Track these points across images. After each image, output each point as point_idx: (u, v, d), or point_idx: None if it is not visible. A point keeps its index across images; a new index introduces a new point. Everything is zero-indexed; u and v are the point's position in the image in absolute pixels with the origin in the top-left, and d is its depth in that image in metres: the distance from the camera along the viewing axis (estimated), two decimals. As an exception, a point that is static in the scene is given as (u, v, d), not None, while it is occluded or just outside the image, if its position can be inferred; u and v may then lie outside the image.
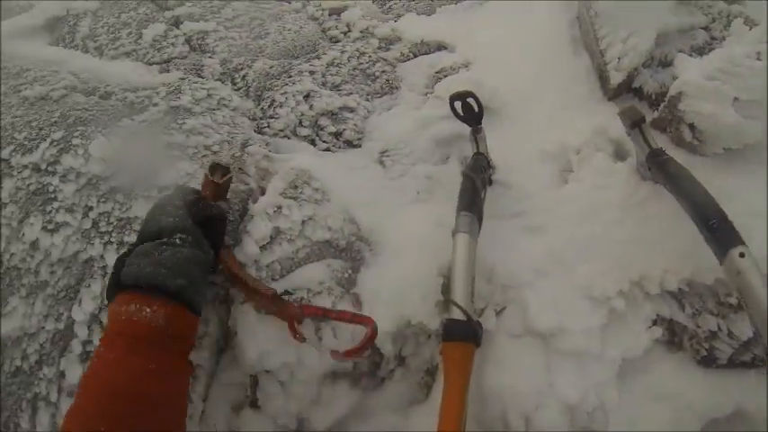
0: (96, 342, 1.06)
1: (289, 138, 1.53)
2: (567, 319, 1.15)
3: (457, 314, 1.02)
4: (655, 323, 1.21)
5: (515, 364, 1.13)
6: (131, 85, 1.53)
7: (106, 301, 0.95)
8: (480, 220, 1.16)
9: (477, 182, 1.17)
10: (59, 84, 1.49)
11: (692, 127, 1.34)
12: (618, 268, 1.20)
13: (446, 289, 1.13)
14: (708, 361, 1.19)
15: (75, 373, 1.06)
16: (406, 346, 1.19)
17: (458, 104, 1.34)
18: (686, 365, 1.21)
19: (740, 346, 1.17)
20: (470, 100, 1.32)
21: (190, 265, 0.93)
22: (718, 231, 1.00)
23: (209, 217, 1.04)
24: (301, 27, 1.87)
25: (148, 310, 0.85)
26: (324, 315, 1.10)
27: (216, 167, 1.15)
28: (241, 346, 1.10)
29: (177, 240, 0.95)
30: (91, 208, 1.22)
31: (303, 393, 1.11)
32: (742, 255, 0.95)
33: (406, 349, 1.19)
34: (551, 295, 1.18)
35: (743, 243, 0.97)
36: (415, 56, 1.84)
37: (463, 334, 1.00)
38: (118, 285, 0.90)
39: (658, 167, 1.18)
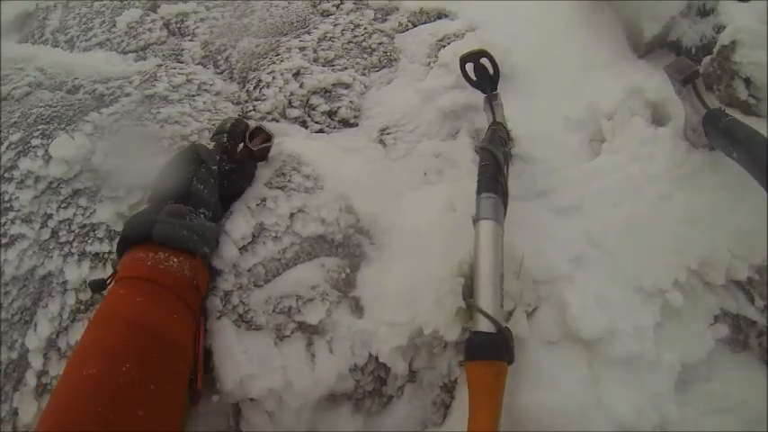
0: (53, 373, 0.88)
1: (277, 121, 1.24)
2: (615, 319, 0.85)
3: (484, 325, 0.73)
4: (716, 319, 0.92)
5: (554, 378, 0.83)
6: (102, 76, 1.26)
7: (116, 256, 0.84)
8: (506, 203, 0.86)
9: (498, 156, 0.87)
10: (23, 81, 1.24)
11: (747, 82, 1.04)
12: (672, 254, 0.91)
13: (468, 291, 0.82)
14: (778, 362, 0.91)
15: (29, 410, 0.85)
16: (418, 357, 0.90)
17: (469, 67, 1.04)
18: (753, 368, 0.93)
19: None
20: (484, 60, 1.02)
21: (214, 237, 0.88)
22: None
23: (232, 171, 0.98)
24: (290, 2, 1.56)
25: (175, 260, 0.79)
26: None
27: (257, 132, 1.03)
28: (218, 369, 0.83)
29: (203, 214, 0.88)
30: (50, 216, 0.99)
31: (295, 424, 0.84)
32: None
33: (418, 362, 0.90)
34: (593, 290, 0.89)
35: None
36: (415, 25, 1.53)
37: (493, 351, 0.72)
38: (134, 239, 0.81)
39: (722, 131, 0.88)
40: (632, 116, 1.09)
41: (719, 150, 0.92)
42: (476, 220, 0.82)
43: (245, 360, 0.83)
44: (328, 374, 0.85)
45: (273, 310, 0.88)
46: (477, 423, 0.70)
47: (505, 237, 0.85)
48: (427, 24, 1.53)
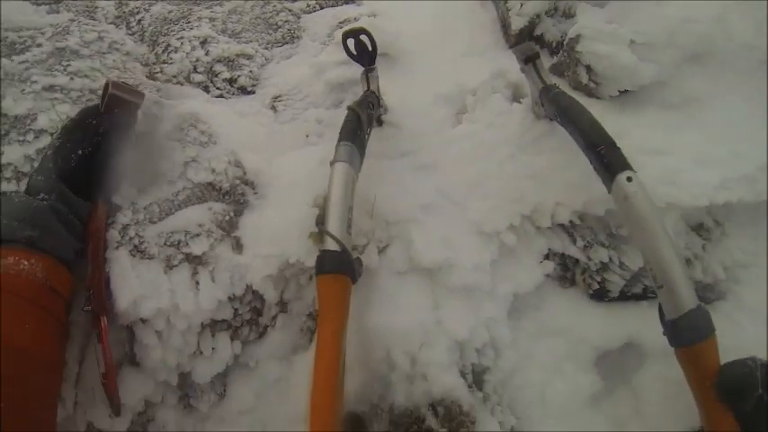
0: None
1: (182, 84, 1.33)
2: (456, 255, 0.99)
3: (331, 245, 0.84)
4: (546, 257, 1.08)
5: (400, 302, 0.96)
6: (14, 24, 1.27)
7: None
8: (362, 153, 0.98)
9: (361, 115, 0.99)
10: (-76, 27, 1.22)
11: (588, 69, 1.21)
12: (510, 203, 1.06)
13: (321, 220, 0.94)
14: (600, 294, 1.08)
15: None
16: (288, 289, 1.01)
17: (351, 42, 1.16)
18: (579, 300, 1.09)
19: (631, 278, 1.06)
20: (363, 37, 1.13)
21: (45, 216, 0.81)
22: (606, 157, 0.87)
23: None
24: (206, -25, 1.62)
25: (26, 263, 0.74)
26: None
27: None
28: (114, 293, 0.90)
29: (44, 199, 0.84)
30: (-45, 161, 1.00)
31: (182, 344, 0.93)
32: (629, 179, 0.82)
33: (288, 293, 1.01)
34: (440, 231, 1.03)
35: (630, 168, 0.84)
36: (322, 8, 1.64)
37: (337, 265, 0.83)
38: None
39: (551, 101, 1.03)
40: (493, 93, 1.24)
41: (552, 118, 1.08)
42: (332, 163, 0.93)
43: (138, 284, 0.91)
44: (210, 300, 0.94)
45: (165, 243, 0.97)
46: (324, 333, 0.79)
47: (365, 185, 0.97)
48: (334, 8, 1.64)
